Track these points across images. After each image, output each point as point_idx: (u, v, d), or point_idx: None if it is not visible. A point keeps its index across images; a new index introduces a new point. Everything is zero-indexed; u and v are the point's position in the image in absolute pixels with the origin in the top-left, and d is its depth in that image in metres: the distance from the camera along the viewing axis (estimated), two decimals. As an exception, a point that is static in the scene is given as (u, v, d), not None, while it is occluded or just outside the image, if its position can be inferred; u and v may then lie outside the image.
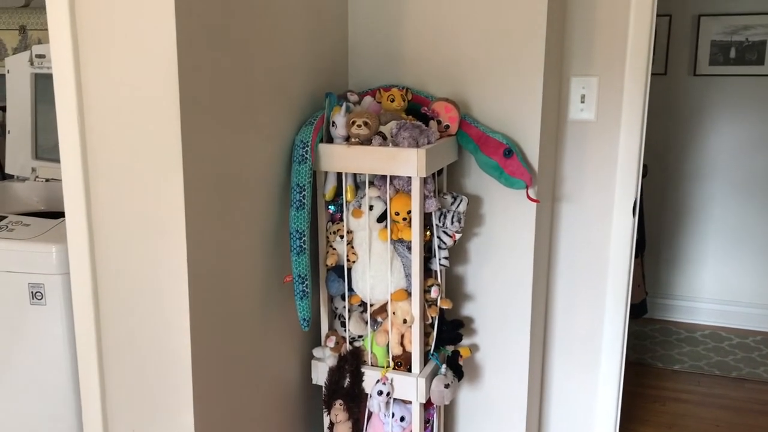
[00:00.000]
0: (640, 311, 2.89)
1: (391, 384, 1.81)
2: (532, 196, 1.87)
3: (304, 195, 1.67)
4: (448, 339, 1.92)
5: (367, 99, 1.85)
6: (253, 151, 1.58)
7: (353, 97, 1.83)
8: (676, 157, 3.78)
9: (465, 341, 2.09)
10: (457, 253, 2.04)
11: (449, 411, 2.17)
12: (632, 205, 2.12)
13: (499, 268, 2.01)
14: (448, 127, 1.84)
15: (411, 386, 1.79)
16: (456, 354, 1.92)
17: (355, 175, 1.79)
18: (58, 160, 2.12)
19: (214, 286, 1.47)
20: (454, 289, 2.06)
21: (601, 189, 2.14)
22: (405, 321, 1.77)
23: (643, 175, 2.88)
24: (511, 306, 2.02)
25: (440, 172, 1.89)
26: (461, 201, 1.83)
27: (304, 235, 1.67)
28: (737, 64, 3.64)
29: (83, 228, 1.42)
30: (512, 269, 1.99)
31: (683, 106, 3.72)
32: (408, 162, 1.65)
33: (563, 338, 2.27)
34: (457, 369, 1.92)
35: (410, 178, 1.69)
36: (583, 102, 2.10)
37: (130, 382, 1.46)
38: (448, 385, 1.81)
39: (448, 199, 1.83)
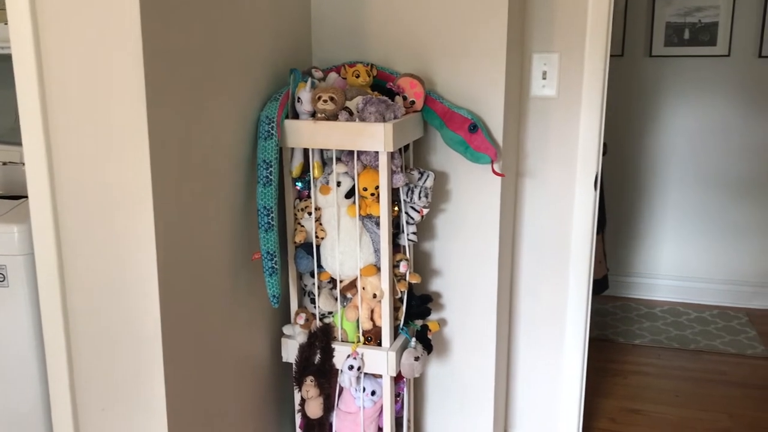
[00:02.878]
0: (601, 287, 2.95)
1: (362, 358, 1.82)
2: (497, 170, 1.90)
3: (271, 171, 1.67)
4: (417, 313, 1.94)
5: (332, 75, 1.85)
6: (217, 127, 1.57)
7: (318, 74, 1.83)
8: (635, 137, 3.86)
9: (433, 316, 2.12)
10: (425, 228, 2.06)
11: (419, 385, 2.20)
12: (593, 180, 2.16)
13: (465, 244, 2.03)
14: (413, 103, 1.85)
15: (381, 360, 1.81)
16: (425, 328, 1.95)
17: (322, 151, 1.79)
18: (14, 143, 2.09)
19: (182, 264, 1.46)
20: (422, 264, 2.08)
21: (563, 164, 2.18)
22: (375, 296, 1.79)
23: (603, 153, 2.94)
24: (478, 281, 2.04)
25: (406, 148, 1.91)
26: (428, 176, 1.84)
27: (272, 212, 1.67)
28: (691, 45, 3.72)
29: (47, 207, 1.40)
30: (479, 244, 2.02)
31: (641, 87, 3.80)
32: (375, 137, 1.66)
33: (528, 313, 2.31)
34: (427, 343, 1.94)
35: (377, 153, 1.70)
36: (544, 78, 2.13)
37: (98, 361, 1.45)
38: (418, 357, 1.83)
39: (415, 174, 1.84)
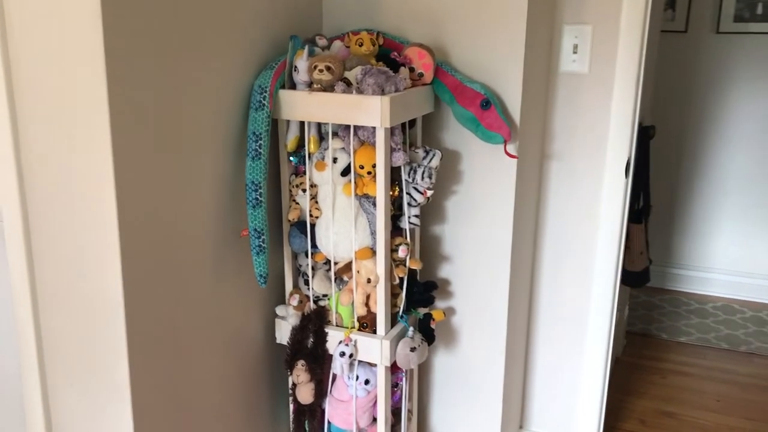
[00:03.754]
0: (641, 280, 2.75)
1: (355, 345, 1.72)
2: (510, 151, 1.75)
3: (260, 144, 1.57)
4: (420, 301, 1.82)
5: (337, 43, 1.73)
6: (205, 96, 1.48)
7: (322, 41, 1.72)
8: (693, 119, 3.59)
9: (441, 304, 2.00)
10: (434, 211, 1.93)
11: (424, 376, 2.09)
12: (625, 166, 1.98)
13: (477, 229, 1.90)
14: (422, 75, 1.72)
15: (375, 348, 1.70)
16: (428, 317, 1.83)
17: (319, 124, 1.68)
18: None
19: (152, 240, 1.38)
20: (431, 249, 1.96)
21: (593, 148, 2.00)
22: (369, 281, 1.68)
23: (651, 137, 2.72)
24: (489, 269, 1.91)
25: (412, 124, 1.78)
26: (434, 155, 1.71)
27: (260, 187, 1.58)
28: (765, 21, 3.41)
29: (13, 180, 1.34)
30: (491, 230, 1.88)
31: (705, 67, 3.52)
32: (371, 110, 1.54)
33: (550, 306, 2.16)
34: (428, 333, 1.83)
35: (375, 128, 1.58)
36: (575, 52, 1.95)
37: (64, 337, 1.40)
38: (415, 348, 1.72)
39: (420, 153, 1.72)
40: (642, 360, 3.08)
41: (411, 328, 1.75)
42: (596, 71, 1.95)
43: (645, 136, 2.69)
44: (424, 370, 2.08)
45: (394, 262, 1.72)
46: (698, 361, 3.08)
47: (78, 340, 1.39)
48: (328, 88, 1.60)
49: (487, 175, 1.85)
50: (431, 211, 1.93)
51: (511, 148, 1.78)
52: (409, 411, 1.98)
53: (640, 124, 2.67)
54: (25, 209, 1.35)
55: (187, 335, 1.53)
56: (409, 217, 1.73)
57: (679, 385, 2.87)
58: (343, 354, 1.70)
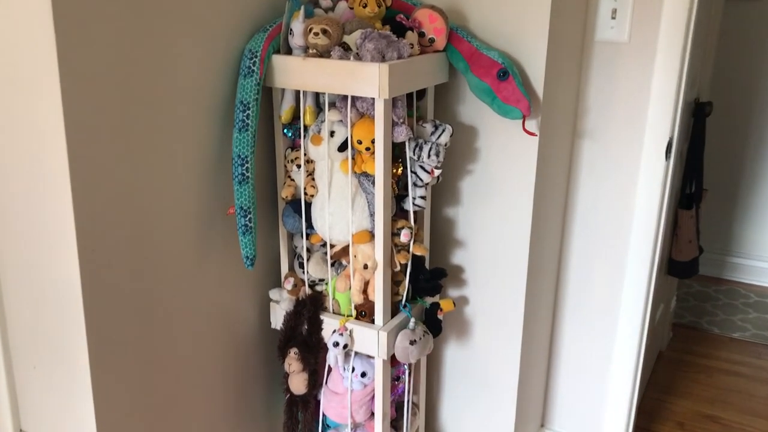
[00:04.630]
0: (689, 271, 2.53)
1: (350, 335, 1.59)
2: (530, 128, 1.57)
3: (248, 114, 1.44)
4: (426, 289, 1.67)
5: (342, 4, 1.57)
6: (186, 61, 1.35)
7: (325, 2, 1.56)
8: (759, 95, 3.27)
9: (453, 293, 1.84)
10: (447, 192, 1.77)
11: (433, 368, 1.95)
12: (665, 146, 1.76)
13: (494, 212, 1.73)
14: (433, 40, 1.55)
15: (372, 340, 1.57)
16: (434, 307, 1.68)
17: (317, 94, 1.53)
18: None
19: (120, 216, 1.27)
20: (443, 233, 1.80)
21: (631, 125, 1.79)
22: (366, 266, 1.54)
23: (707, 114, 2.47)
24: (506, 256, 1.74)
25: (422, 95, 1.61)
26: (443, 131, 1.55)
27: (247, 162, 1.45)
28: None
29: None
30: (509, 213, 1.71)
31: (776, 38, 3.20)
32: (369, 79, 1.38)
33: (577, 296, 1.98)
34: (435, 324, 1.68)
35: (374, 99, 1.42)
36: (613, 18, 1.73)
37: (26, 318, 1.31)
38: (415, 341, 1.58)
39: (428, 127, 1.55)
40: (688, 356, 2.85)
41: (412, 319, 1.60)
42: (637, 39, 1.73)
43: (701, 113, 2.44)
44: (433, 362, 1.94)
45: (395, 247, 1.57)
46: (751, 360, 2.83)
47: (39, 325, 1.30)
48: (325, 53, 1.45)
49: (506, 153, 1.67)
50: (443, 192, 1.77)
51: (531, 124, 1.59)
52: (415, 405, 1.85)
53: (696, 101, 2.42)
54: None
55: (165, 319, 1.43)
56: (414, 198, 1.57)
57: (727, 386, 2.64)
58: (336, 344, 1.58)
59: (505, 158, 1.68)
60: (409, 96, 1.54)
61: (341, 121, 1.49)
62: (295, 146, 1.59)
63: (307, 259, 1.63)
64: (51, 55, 1.09)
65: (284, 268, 1.68)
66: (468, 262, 1.80)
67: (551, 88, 1.62)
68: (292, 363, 1.62)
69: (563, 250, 1.95)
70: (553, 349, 2.05)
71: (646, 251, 1.86)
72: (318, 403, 1.70)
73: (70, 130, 1.14)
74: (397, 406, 1.78)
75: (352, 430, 1.68)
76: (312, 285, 1.65)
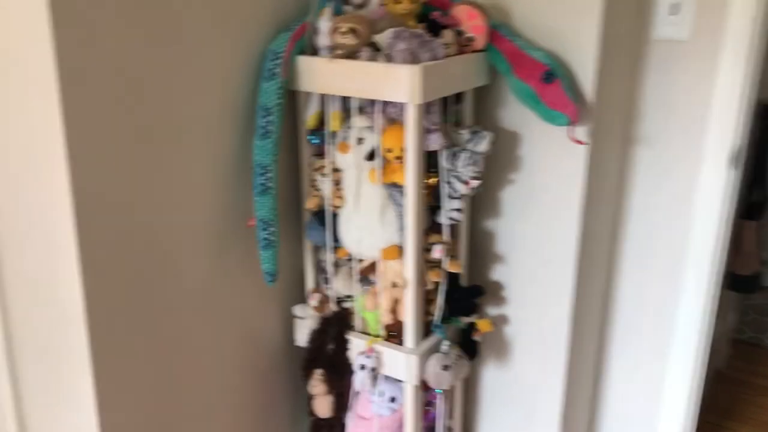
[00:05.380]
0: (750, 286, 2.34)
1: (378, 358, 1.48)
2: (578, 135, 1.43)
3: (269, 120, 1.34)
4: (461, 309, 1.55)
5: (374, 1, 1.46)
6: (204, 62, 1.26)
7: (356, -1, 1.45)
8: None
9: (493, 312, 1.71)
10: (487, 204, 1.64)
11: (471, 390, 1.82)
12: (729, 156, 1.60)
13: (537, 226, 1.59)
14: (472, 39, 1.42)
15: (401, 363, 1.45)
16: (471, 327, 1.56)
17: (345, 98, 1.42)
18: None
19: (127, 227, 1.18)
20: (482, 247, 1.67)
21: (690, 131, 1.63)
22: (395, 284, 1.42)
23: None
24: (550, 273, 1.60)
25: (459, 98, 1.48)
26: (481, 138, 1.42)
27: (269, 171, 1.35)
28: None
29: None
30: (554, 228, 1.57)
31: None
32: (399, 82, 1.27)
33: (628, 315, 1.82)
34: (471, 346, 1.56)
35: (405, 104, 1.30)
36: (674, 14, 1.57)
37: (31, 338, 1.24)
38: (449, 366, 1.46)
39: (465, 135, 1.43)
40: (749, 376, 2.65)
41: (446, 342, 1.48)
42: (700, 38, 1.56)
43: (767, 116, 2.25)
44: (471, 385, 1.81)
45: (428, 263, 1.45)
46: (821, 383, 2.62)
47: (46, 346, 1.22)
48: (353, 54, 1.34)
49: (551, 162, 1.53)
50: (483, 204, 1.64)
51: (580, 131, 1.45)
52: (450, 429, 1.72)
53: (762, 102, 2.23)
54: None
55: (179, 334, 1.34)
56: (448, 211, 1.45)
57: (792, 412, 2.44)
58: (363, 367, 1.47)
59: (550, 168, 1.54)
60: (445, 100, 1.41)
61: (370, 127, 1.38)
62: (321, 154, 1.48)
63: (334, 274, 1.52)
64: (47, 55, 1.01)
65: (309, 283, 1.58)
66: (509, 278, 1.67)
67: (602, 92, 1.48)
68: (317, 385, 1.51)
69: (613, 265, 1.80)
70: (600, 371, 1.90)
71: (706, 266, 1.69)
72: (344, 427, 1.59)
73: (71, 135, 1.05)
74: (430, 432, 1.66)
75: (380, 457, 1.56)
76: (339, 301, 1.54)
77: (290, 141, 1.48)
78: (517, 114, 1.54)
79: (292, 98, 1.44)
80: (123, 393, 1.24)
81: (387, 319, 1.46)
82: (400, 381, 1.50)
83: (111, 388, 1.20)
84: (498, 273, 1.67)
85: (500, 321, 1.70)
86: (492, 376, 1.77)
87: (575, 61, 1.44)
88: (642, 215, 1.74)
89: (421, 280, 1.43)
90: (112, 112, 1.12)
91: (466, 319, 1.57)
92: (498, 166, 1.59)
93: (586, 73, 1.44)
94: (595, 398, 1.93)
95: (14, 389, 1.29)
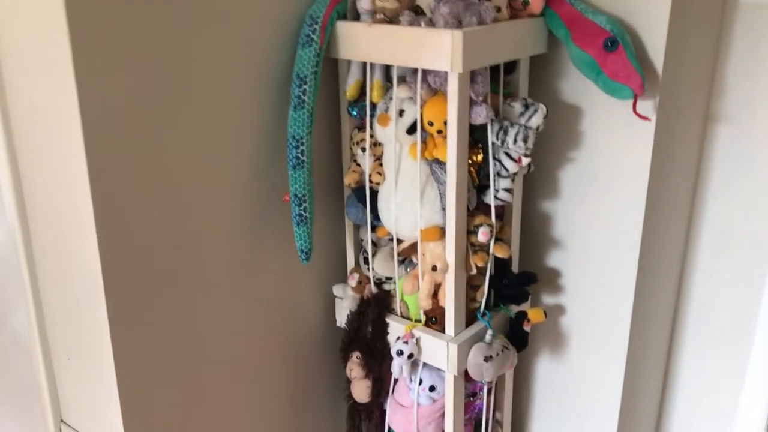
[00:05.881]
0: None
1: (417, 344, 1.39)
2: (642, 111, 1.28)
3: (304, 90, 1.26)
4: (510, 296, 1.44)
5: (421, -37, 1.35)
6: (237, 27, 1.20)
7: (403, -40, 1.35)
8: None
9: (549, 300, 1.59)
10: (543, 183, 1.51)
11: (522, 384, 1.71)
12: (827, 135, 1.41)
13: (599, 209, 1.46)
14: (527, 3, 1.30)
15: (441, 351, 1.37)
16: (521, 317, 1.45)
17: (387, 67, 1.33)
18: None
19: (151, 202, 1.15)
20: (537, 231, 1.55)
21: (782, 108, 1.45)
22: (435, 268, 1.33)
23: None
24: (611, 262, 1.47)
25: (511, 68, 1.36)
26: (535, 112, 1.30)
27: (303, 144, 1.28)
28: None
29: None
30: (617, 212, 1.43)
31: None
32: (439, 49, 1.17)
33: (703, 313, 1.66)
34: (520, 336, 1.45)
35: (447, 73, 1.20)
36: (765, -27, 1.39)
37: (62, 307, 1.23)
38: (491, 357, 1.36)
39: (516, 107, 1.31)
40: None
41: (490, 331, 1.38)
42: (795, 0, 1.38)
43: None
44: (523, 376, 1.70)
45: (472, 246, 1.35)
46: None
47: (71, 317, 1.21)
48: (394, 19, 1.25)
49: (616, 139, 1.39)
50: (539, 183, 1.51)
51: (646, 105, 1.30)
52: (498, 423, 1.63)
53: None
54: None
55: (211, 312, 1.30)
56: (497, 191, 1.34)
57: None
58: (401, 353, 1.39)
59: (614, 145, 1.40)
60: (496, 69, 1.30)
61: (412, 98, 1.29)
62: (362, 127, 1.40)
63: (373, 254, 1.45)
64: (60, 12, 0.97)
65: (350, 263, 1.51)
66: (566, 265, 1.54)
67: (675, 62, 1.32)
68: (354, 368, 1.45)
69: (687, 256, 1.64)
70: (670, 372, 1.74)
71: (794, 263, 1.51)
72: (384, 413, 1.52)
73: (87, 106, 1.01)
74: (475, 424, 1.57)
75: (418, 448, 1.49)
76: (378, 283, 1.47)
77: (331, 113, 1.41)
78: (578, 86, 1.41)
79: (332, 67, 1.37)
80: (147, 375, 1.21)
81: (426, 304, 1.37)
82: (440, 370, 1.42)
83: (134, 372, 1.18)
84: (554, 259, 1.55)
85: (556, 311, 1.58)
86: (546, 369, 1.66)
87: (643, 27, 1.29)
88: (722, 202, 1.57)
89: (463, 264, 1.33)
90: (136, 77, 1.07)
91: (515, 308, 1.46)
92: (556, 142, 1.47)
93: (656, 40, 1.28)
94: (663, 401, 1.78)
95: (46, 359, 1.30)
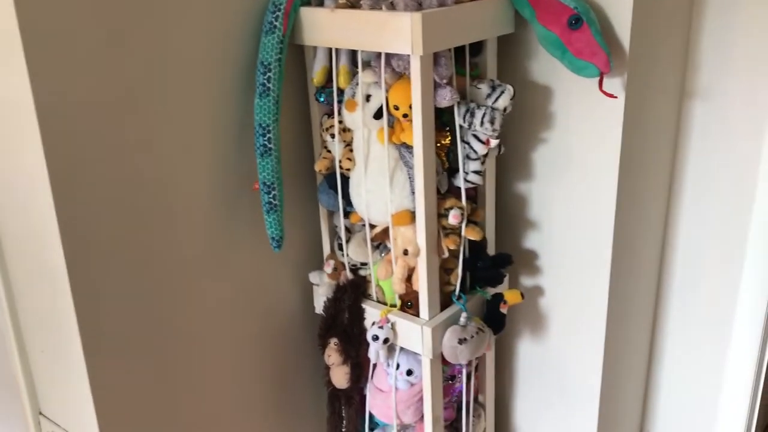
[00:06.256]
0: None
1: (392, 329, 1.40)
2: (609, 89, 1.27)
3: (269, 77, 1.26)
4: (485, 279, 1.44)
5: (385, -54, 1.34)
6: (199, 14, 1.20)
7: (367, -56, 1.34)
8: None
9: (528, 282, 1.59)
10: (517, 165, 1.51)
11: (505, 365, 1.71)
12: (801, 108, 1.39)
13: (573, 189, 1.45)
14: (491, -16, 1.29)
15: (416, 335, 1.37)
16: (498, 299, 1.45)
17: (353, 52, 1.32)
18: None
19: (116, 194, 1.15)
20: (513, 213, 1.55)
21: (755, 83, 1.43)
22: (406, 252, 1.33)
23: None
24: (586, 241, 1.46)
25: (479, 49, 1.35)
26: (502, 93, 1.29)
27: (269, 131, 1.28)
28: None
29: None
30: (591, 191, 1.43)
31: None
32: (400, 32, 1.16)
33: (685, 291, 1.65)
34: (497, 319, 1.45)
35: (410, 56, 1.19)
36: (735, -55, 1.37)
37: (33, 307, 1.24)
38: (465, 339, 1.36)
39: (483, 89, 1.30)
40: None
41: (464, 314, 1.38)
42: (766, -28, 1.36)
43: None
44: (506, 358, 1.70)
45: (444, 230, 1.35)
46: None
47: (40, 310, 1.22)
48: (356, 3, 1.24)
49: (586, 118, 1.39)
50: (513, 165, 1.51)
51: (614, 83, 1.29)
52: (480, 405, 1.63)
53: None
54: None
55: (184, 303, 1.31)
56: (466, 174, 1.34)
57: None
58: (376, 338, 1.39)
59: (586, 125, 1.39)
60: (462, 51, 1.29)
61: (377, 82, 1.28)
62: (331, 113, 1.40)
63: (348, 240, 1.45)
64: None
65: (326, 249, 1.51)
66: (542, 246, 1.54)
67: (643, 38, 1.31)
68: (332, 354, 1.45)
69: (668, 235, 1.63)
70: (654, 351, 1.74)
71: (772, 239, 1.50)
72: (363, 398, 1.53)
73: (41, 96, 1.02)
74: (458, 407, 1.57)
75: (398, 431, 1.50)
76: (354, 269, 1.47)
77: (300, 100, 1.40)
78: (548, 66, 1.40)
79: (299, 54, 1.36)
80: (119, 366, 1.22)
81: (399, 288, 1.37)
82: (417, 354, 1.42)
83: (105, 362, 1.19)
84: (531, 241, 1.55)
85: (535, 293, 1.58)
86: (527, 351, 1.66)
87: (609, 4, 1.28)
88: (701, 178, 1.56)
89: (435, 247, 1.33)
90: (97, 68, 1.07)
91: (492, 290, 1.46)
92: (529, 124, 1.46)
93: (621, 17, 1.27)
94: (649, 379, 1.78)
95: (21, 352, 1.31)
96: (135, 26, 1.11)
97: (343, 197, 1.40)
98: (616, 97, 1.28)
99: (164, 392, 1.31)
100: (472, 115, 1.28)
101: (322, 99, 1.37)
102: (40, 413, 1.36)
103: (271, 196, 1.31)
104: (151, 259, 1.23)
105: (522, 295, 1.47)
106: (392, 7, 1.20)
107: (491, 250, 1.49)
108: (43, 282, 1.17)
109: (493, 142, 1.30)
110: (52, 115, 1.03)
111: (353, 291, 1.44)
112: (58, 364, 1.24)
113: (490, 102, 1.29)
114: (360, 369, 1.48)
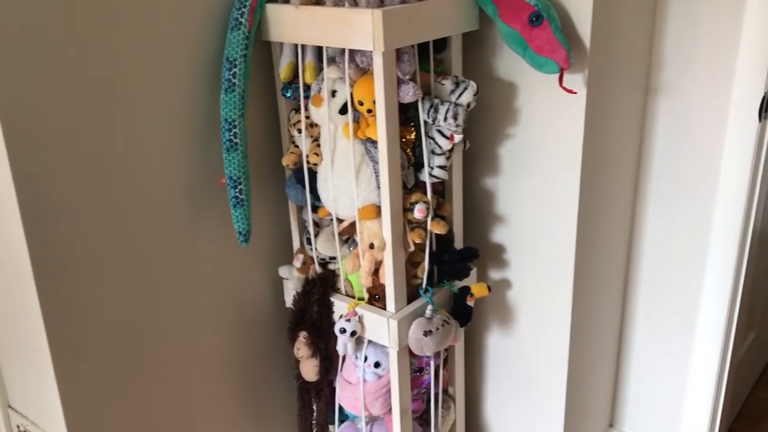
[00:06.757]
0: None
1: (360, 321, 1.42)
2: (570, 85, 1.30)
3: (234, 73, 1.28)
4: (452, 272, 1.46)
5: (351, -56, 1.36)
6: (165, 12, 1.21)
7: (333, -58, 1.36)
8: None
9: (496, 275, 1.62)
10: (484, 160, 1.53)
11: (475, 357, 1.73)
12: (760, 104, 1.42)
13: (538, 183, 1.47)
14: (454, -19, 1.30)
15: (382, 328, 1.39)
16: (464, 292, 1.47)
17: (319, 48, 1.34)
18: None
19: (82, 190, 1.16)
20: (480, 207, 1.57)
21: (717, 79, 1.46)
22: (372, 246, 1.35)
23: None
24: (551, 235, 1.49)
25: (444, 45, 1.37)
26: (465, 89, 1.31)
27: (235, 126, 1.29)
28: None
29: None
30: (555, 186, 1.45)
31: None
32: (362, 29, 1.17)
33: (652, 284, 1.68)
34: (464, 312, 1.47)
35: (372, 53, 1.21)
36: (695, -56, 1.40)
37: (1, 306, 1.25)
38: (430, 332, 1.38)
39: (448, 85, 1.32)
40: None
41: (430, 306, 1.40)
42: (726, -31, 1.39)
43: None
44: (476, 350, 1.73)
45: (410, 224, 1.37)
46: None
47: (5, 302, 1.23)
48: (321, 0, 1.26)
49: (550, 114, 1.41)
50: (479, 160, 1.53)
51: (575, 79, 1.32)
52: (450, 397, 1.65)
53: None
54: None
55: (152, 301, 1.32)
56: (431, 168, 1.35)
57: None
58: (343, 331, 1.41)
59: (549, 121, 1.41)
60: (426, 47, 1.31)
61: (342, 78, 1.30)
62: (299, 108, 1.41)
63: (316, 235, 1.46)
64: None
65: (296, 243, 1.53)
66: (509, 240, 1.56)
67: (604, 33, 1.33)
68: (301, 348, 1.47)
69: (634, 228, 1.66)
70: (623, 343, 1.77)
71: (734, 226, 1.53)
72: (333, 391, 1.55)
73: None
74: (427, 398, 1.59)
75: (367, 423, 1.52)
76: (323, 263, 1.49)
77: (268, 95, 1.42)
78: (512, 62, 1.42)
79: (266, 50, 1.38)
80: (85, 362, 1.23)
81: (366, 282, 1.39)
82: (385, 346, 1.44)
83: (71, 357, 1.20)
84: (498, 235, 1.57)
85: (502, 286, 1.60)
86: (496, 343, 1.68)
87: (569, 1, 1.30)
88: (665, 172, 1.59)
89: (401, 241, 1.35)
90: (59, 64, 1.08)
91: (459, 283, 1.48)
92: (494, 119, 1.48)
93: (582, 14, 1.29)
94: (618, 371, 1.81)
95: (-10, 345, 1.31)
96: (97, 22, 1.12)
97: (311, 192, 1.42)
98: (575, 93, 1.31)
99: (132, 385, 1.32)
100: (436, 110, 1.30)
101: (288, 94, 1.38)
102: (9, 406, 1.37)
103: (237, 190, 1.32)
104: (118, 254, 1.24)
105: (489, 288, 1.49)
106: (355, 4, 1.21)
107: (459, 243, 1.51)
108: (7, 275, 1.18)
109: (457, 138, 1.32)
110: (14, 116, 1.04)
111: (322, 285, 1.46)
112: (25, 357, 1.25)
113: (453, 98, 1.31)
114: (329, 362, 1.49)
